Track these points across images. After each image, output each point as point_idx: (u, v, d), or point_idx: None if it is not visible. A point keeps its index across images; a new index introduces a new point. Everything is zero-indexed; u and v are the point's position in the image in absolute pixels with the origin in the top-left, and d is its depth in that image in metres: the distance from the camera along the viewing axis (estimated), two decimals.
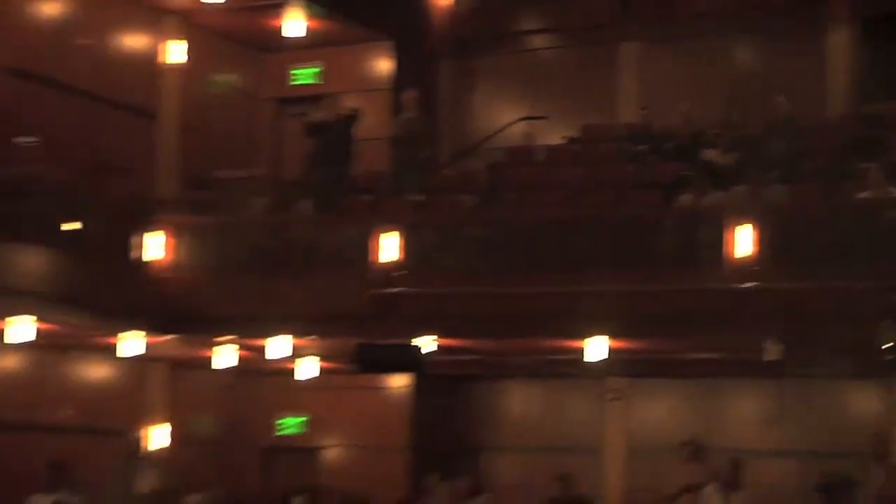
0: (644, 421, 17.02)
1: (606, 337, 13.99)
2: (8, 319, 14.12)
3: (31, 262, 14.29)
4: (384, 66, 18.71)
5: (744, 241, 13.51)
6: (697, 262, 13.76)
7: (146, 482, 14.70)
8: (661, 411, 17.06)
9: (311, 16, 17.65)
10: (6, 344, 14.61)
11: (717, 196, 14.68)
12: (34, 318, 14.17)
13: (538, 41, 19.18)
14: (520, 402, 18.07)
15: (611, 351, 14.14)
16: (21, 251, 14.16)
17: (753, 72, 17.87)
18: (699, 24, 17.85)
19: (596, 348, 14.10)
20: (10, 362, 15.55)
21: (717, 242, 13.60)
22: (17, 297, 13.99)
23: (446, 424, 17.66)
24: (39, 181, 14.71)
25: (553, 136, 17.91)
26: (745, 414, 16.73)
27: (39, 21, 16.49)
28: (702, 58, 18.05)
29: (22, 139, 14.88)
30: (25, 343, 14.59)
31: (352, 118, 16.79)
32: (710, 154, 15.69)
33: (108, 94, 17.07)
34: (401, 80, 18.22)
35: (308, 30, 17.85)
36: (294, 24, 17.71)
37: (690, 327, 13.46)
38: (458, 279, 14.41)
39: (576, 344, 14.20)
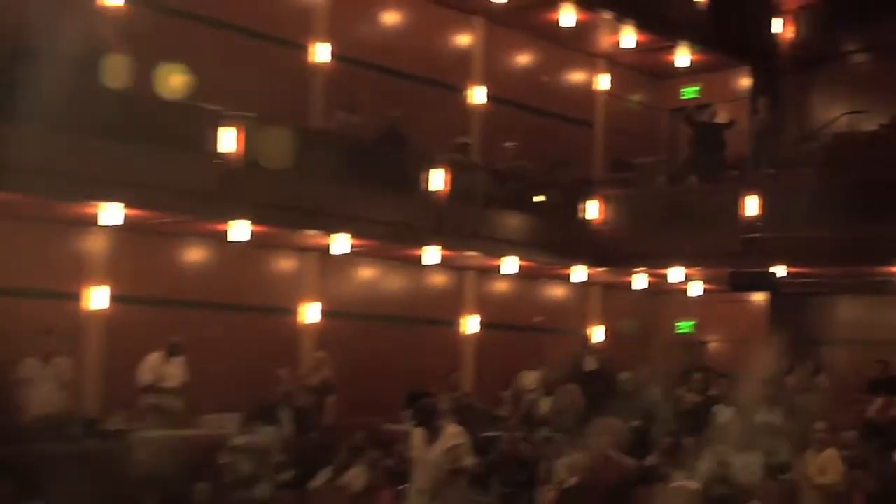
0: None
1: None
2: (502, 259, 14.73)
3: (515, 222, 14.78)
4: (744, 82, 18.28)
5: None
6: None
7: (590, 364, 14.93)
8: None
9: (693, 51, 17.60)
10: (502, 274, 15.30)
11: None
12: (517, 257, 14.66)
13: (857, 58, 18.21)
14: (848, 310, 17.26)
15: None
16: (509, 215, 14.71)
17: None
18: None
19: None
20: (502, 286, 16.19)
21: None
22: (507, 244, 14.61)
23: (794, 326, 16.69)
24: (520, 170, 15.25)
25: (870, 124, 17.08)
26: None
27: (515, 64, 16.97)
28: None
29: (509, 144, 15.52)
30: (513, 274, 15.15)
31: (729, 124, 16.34)
32: None
33: (561, 112, 17.58)
34: (756, 91, 17.73)
35: (691, 61, 17.83)
36: (682, 57, 17.74)
37: None
38: (801, 226, 14.06)
39: (890, 269, 13.90)
